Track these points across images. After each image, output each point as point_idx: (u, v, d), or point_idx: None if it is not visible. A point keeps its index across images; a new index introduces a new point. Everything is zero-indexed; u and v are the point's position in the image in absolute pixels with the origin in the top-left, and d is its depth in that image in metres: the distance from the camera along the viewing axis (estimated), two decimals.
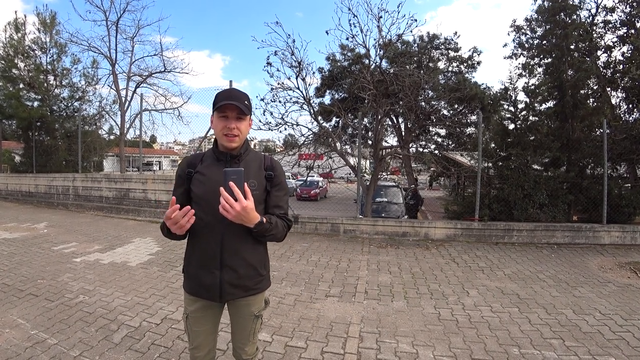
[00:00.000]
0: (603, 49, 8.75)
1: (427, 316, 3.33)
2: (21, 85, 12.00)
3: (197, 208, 1.44)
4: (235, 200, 1.27)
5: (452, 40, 15.51)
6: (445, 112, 13.09)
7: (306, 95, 7.68)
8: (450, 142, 15.57)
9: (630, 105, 8.17)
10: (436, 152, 13.94)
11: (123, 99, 14.32)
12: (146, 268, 4.63)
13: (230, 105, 1.40)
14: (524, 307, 3.56)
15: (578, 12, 8.55)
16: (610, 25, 8.77)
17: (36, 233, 6.64)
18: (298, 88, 7.57)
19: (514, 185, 6.96)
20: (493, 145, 7.84)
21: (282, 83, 7.66)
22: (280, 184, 1.57)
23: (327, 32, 7.60)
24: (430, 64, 14.20)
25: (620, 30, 8.61)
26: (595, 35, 8.69)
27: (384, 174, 8.98)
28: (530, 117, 7.76)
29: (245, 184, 1.31)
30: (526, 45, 10.06)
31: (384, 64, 9.57)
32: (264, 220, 1.39)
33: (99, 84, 13.84)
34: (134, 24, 18.43)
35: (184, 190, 1.52)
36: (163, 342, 2.73)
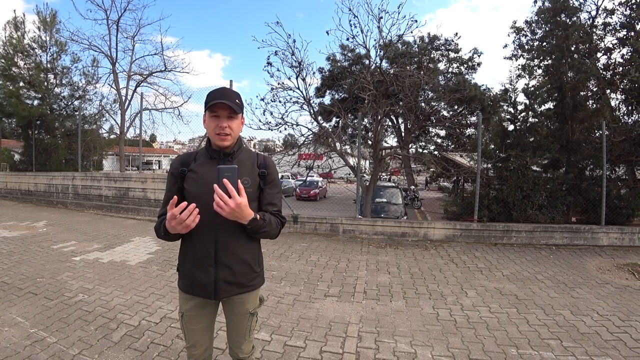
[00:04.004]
0: (603, 51, 8.76)
1: (425, 316, 3.34)
2: (21, 84, 12.00)
3: None
4: (229, 197, 1.28)
5: (453, 41, 15.55)
6: (445, 113, 13.11)
7: (306, 96, 7.70)
8: (449, 143, 15.59)
9: (630, 107, 8.18)
10: (436, 152, 13.96)
11: (123, 98, 14.34)
12: (145, 267, 4.63)
13: (222, 104, 1.40)
14: (522, 308, 3.57)
15: (578, 14, 8.57)
16: (610, 28, 8.78)
17: (35, 232, 6.64)
18: (298, 88, 7.60)
19: (513, 187, 6.97)
20: (492, 146, 7.85)
21: (283, 83, 7.68)
22: (274, 181, 1.58)
23: (327, 32, 7.63)
24: (431, 65, 14.22)
25: (620, 32, 8.61)
26: (595, 37, 8.70)
27: (383, 174, 9.00)
28: (530, 119, 7.77)
29: (239, 180, 1.32)
30: (526, 46, 10.06)
31: (384, 64, 9.59)
32: (258, 217, 1.40)
33: (99, 82, 13.89)
34: (134, 23, 18.50)
35: (177, 189, 1.52)
36: (162, 341, 2.73)
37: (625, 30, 8.50)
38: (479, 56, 15.74)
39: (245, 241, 1.50)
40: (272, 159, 1.64)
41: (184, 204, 1.30)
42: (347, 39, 7.57)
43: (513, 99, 7.80)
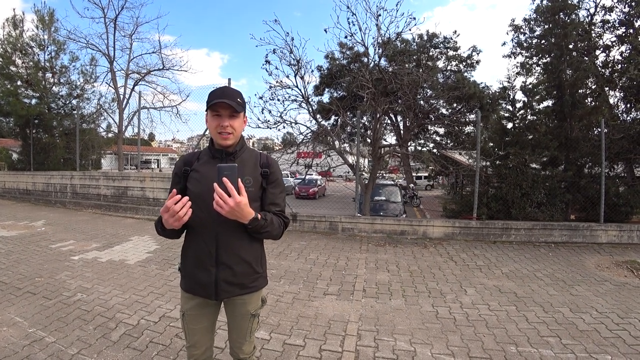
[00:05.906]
0: (601, 49, 8.77)
1: (425, 314, 3.34)
2: (19, 83, 11.93)
3: (193, 206, 1.43)
4: (229, 195, 1.27)
5: (451, 39, 15.55)
6: (443, 110, 13.15)
7: (305, 94, 7.68)
8: (448, 141, 15.62)
9: (628, 105, 8.20)
10: (435, 150, 13.96)
11: (121, 96, 14.27)
12: (144, 266, 4.62)
13: (223, 103, 1.40)
14: (521, 306, 3.58)
15: (577, 12, 8.57)
16: (608, 25, 8.79)
17: (34, 231, 6.62)
18: (297, 86, 7.58)
19: (512, 184, 6.97)
20: (491, 144, 7.86)
21: (281, 81, 7.66)
22: (276, 181, 1.57)
23: (325, 30, 7.62)
24: (429, 63, 14.21)
25: (618, 29, 8.62)
26: (593, 34, 8.71)
27: (382, 172, 8.99)
28: (529, 116, 7.78)
29: (239, 179, 1.31)
30: (525, 44, 10.08)
31: (383, 62, 9.59)
32: (259, 216, 1.39)
33: (97, 81, 13.78)
34: (132, 21, 18.36)
35: (180, 188, 1.51)
36: (161, 340, 2.73)
37: (624, 27, 8.51)
38: (477, 54, 15.77)
39: (248, 241, 1.48)
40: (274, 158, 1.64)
41: (179, 196, 1.30)
42: (346, 37, 7.57)
43: (512, 97, 7.80)
